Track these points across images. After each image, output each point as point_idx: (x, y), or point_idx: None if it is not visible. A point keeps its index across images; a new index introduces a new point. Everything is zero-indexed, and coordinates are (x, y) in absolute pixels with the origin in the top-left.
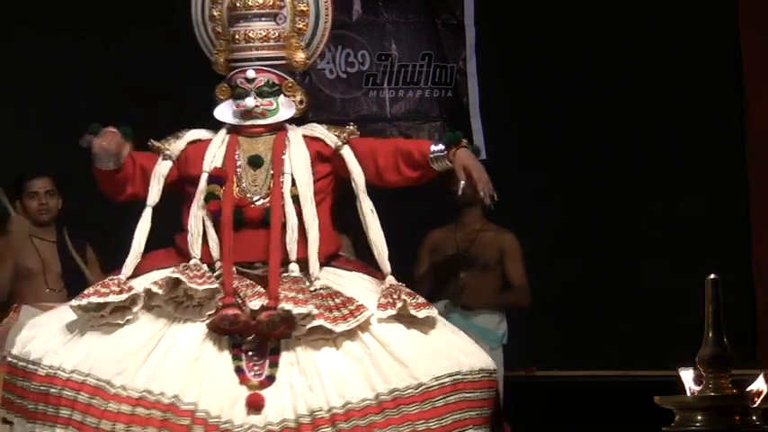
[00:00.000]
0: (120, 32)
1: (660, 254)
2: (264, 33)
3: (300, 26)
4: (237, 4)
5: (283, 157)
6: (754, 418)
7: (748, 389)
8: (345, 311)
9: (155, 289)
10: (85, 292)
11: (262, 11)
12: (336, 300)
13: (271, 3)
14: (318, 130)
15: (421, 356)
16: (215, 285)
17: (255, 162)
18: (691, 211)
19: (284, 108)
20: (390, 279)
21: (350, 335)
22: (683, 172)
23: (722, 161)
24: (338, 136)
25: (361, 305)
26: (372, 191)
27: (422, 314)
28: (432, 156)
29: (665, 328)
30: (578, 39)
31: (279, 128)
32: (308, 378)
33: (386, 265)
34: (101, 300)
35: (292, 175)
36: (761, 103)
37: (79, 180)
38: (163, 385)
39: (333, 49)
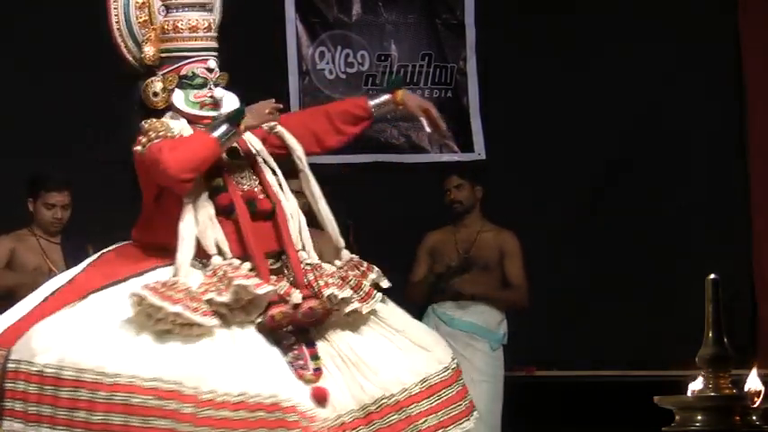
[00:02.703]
0: None
1: (660, 254)
2: (207, 24)
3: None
4: None
5: (250, 146)
6: (754, 418)
7: (747, 388)
8: (362, 293)
9: (218, 298)
10: (167, 293)
11: (204, 0)
12: (352, 282)
13: None
14: None
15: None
16: (274, 287)
17: (233, 154)
18: (691, 211)
19: (228, 96)
20: (345, 255)
21: (363, 318)
22: (684, 171)
23: (722, 161)
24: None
25: (371, 287)
26: (372, 194)
27: (365, 309)
28: (374, 105)
29: (665, 328)
30: (579, 39)
31: None
32: (356, 367)
33: (340, 240)
34: (192, 316)
35: (268, 163)
36: (761, 102)
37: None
38: (255, 385)
39: (332, 50)
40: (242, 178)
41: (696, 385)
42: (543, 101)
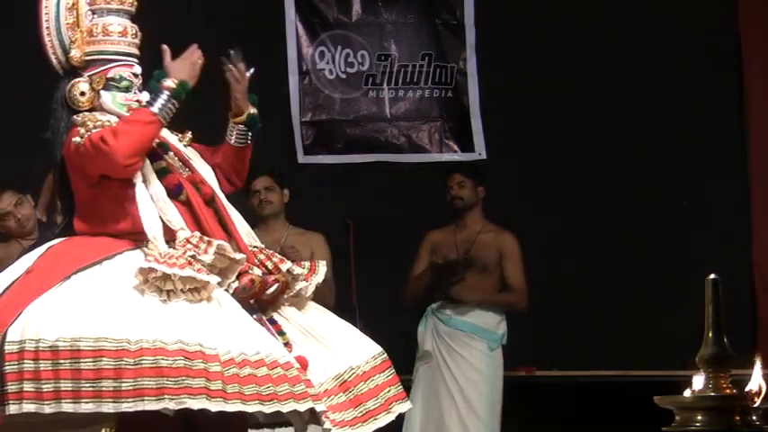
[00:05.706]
0: None
1: (660, 254)
2: (134, 30)
3: None
4: None
5: (174, 143)
6: (754, 418)
7: (747, 388)
8: (306, 269)
9: (201, 256)
10: (176, 262)
11: (131, 8)
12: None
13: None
14: None
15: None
16: (245, 255)
17: (165, 147)
18: (691, 211)
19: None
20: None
21: (304, 300)
22: (684, 172)
23: (722, 161)
24: (179, 139)
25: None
26: (372, 194)
27: (314, 283)
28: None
29: (665, 328)
30: (578, 39)
31: None
32: (319, 341)
33: (255, 239)
34: (203, 277)
35: (196, 157)
36: (761, 102)
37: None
38: (265, 346)
39: (332, 50)
40: (178, 168)
41: (696, 385)
42: (543, 101)
